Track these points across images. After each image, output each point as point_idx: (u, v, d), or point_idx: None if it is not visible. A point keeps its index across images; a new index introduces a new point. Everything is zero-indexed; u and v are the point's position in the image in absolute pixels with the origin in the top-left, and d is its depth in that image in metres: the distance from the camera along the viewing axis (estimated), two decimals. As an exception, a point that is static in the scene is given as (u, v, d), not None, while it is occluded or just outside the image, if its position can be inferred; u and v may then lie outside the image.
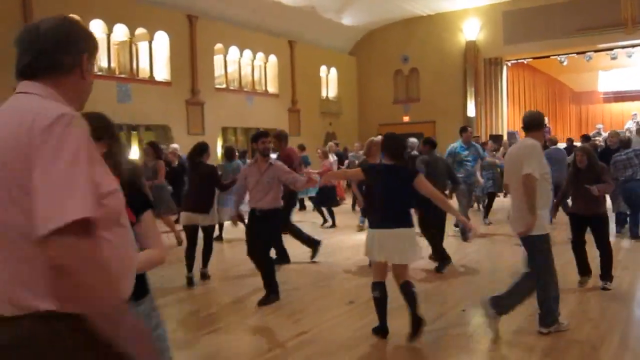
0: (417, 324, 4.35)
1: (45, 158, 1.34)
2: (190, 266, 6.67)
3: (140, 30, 14.60)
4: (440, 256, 7.11)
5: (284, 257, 7.52)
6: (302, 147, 14.83)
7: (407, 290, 4.43)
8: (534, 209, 4.35)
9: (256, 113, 18.06)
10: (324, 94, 21.81)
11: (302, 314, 5.38)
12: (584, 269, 5.94)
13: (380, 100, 22.54)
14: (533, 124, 4.64)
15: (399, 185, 4.50)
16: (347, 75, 22.62)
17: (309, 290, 6.34)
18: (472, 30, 20.53)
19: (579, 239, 5.96)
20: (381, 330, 4.62)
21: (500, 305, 4.51)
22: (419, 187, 4.50)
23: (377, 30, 22.44)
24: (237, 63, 17.75)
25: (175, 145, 11.34)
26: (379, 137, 6.82)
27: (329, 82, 22.06)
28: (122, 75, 14.31)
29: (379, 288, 4.55)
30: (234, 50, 17.39)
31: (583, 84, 25.20)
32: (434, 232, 7.16)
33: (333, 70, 21.97)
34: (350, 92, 22.79)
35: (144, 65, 15.04)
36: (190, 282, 6.61)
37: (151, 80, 14.91)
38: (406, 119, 22.15)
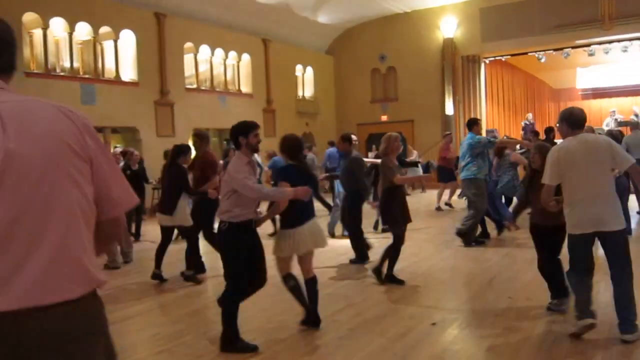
0: (315, 322, 4.79)
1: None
2: (157, 263, 6.96)
3: (104, 29, 14.03)
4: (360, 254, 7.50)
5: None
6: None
7: (314, 286, 4.82)
8: None
9: (230, 113, 17.48)
10: (300, 93, 21.36)
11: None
12: (555, 291, 5.03)
13: (358, 100, 22.16)
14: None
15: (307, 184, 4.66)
16: (324, 74, 22.20)
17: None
18: (449, 28, 20.23)
19: (544, 256, 5.00)
20: (311, 320, 4.83)
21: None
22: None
23: (354, 28, 22.05)
24: (208, 62, 17.23)
25: (132, 150, 10.85)
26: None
27: (305, 81, 21.61)
28: (86, 76, 13.73)
29: (292, 277, 4.84)
30: (205, 49, 16.87)
31: (561, 81, 25.06)
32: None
33: (309, 70, 21.53)
34: (327, 92, 22.37)
35: (110, 65, 14.48)
36: (156, 277, 6.92)
37: (117, 80, 14.33)
38: (384, 118, 21.79)
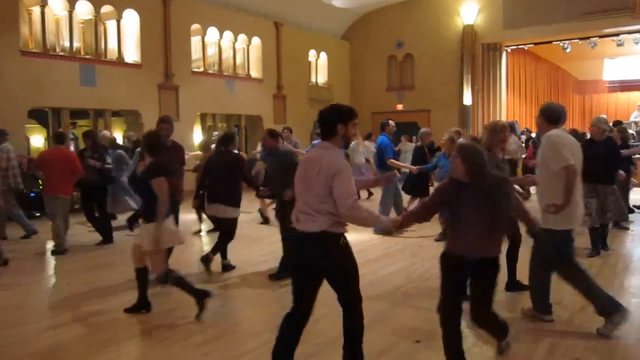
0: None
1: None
2: (223, 253, 6.78)
3: (106, 8, 13.54)
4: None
5: None
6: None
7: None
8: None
9: (237, 99, 17.01)
10: (313, 79, 20.71)
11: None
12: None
13: (373, 88, 21.46)
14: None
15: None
16: (338, 60, 21.49)
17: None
18: (470, 14, 19.35)
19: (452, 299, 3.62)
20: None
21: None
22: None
23: (371, 13, 21.29)
24: (217, 45, 16.65)
25: (105, 132, 10.38)
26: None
27: (319, 67, 20.94)
28: (87, 56, 13.26)
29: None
30: (212, 32, 16.30)
31: (587, 73, 24.01)
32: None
33: (323, 55, 20.85)
34: (342, 79, 21.68)
35: (113, 46, 14.00)
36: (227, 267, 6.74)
37: (119, 62, 13.85)
38: (400, 107, 21.05)
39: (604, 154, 6.88)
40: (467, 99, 19.36)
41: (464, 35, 19.47)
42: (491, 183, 3.42)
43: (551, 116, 4.63)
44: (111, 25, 13.90)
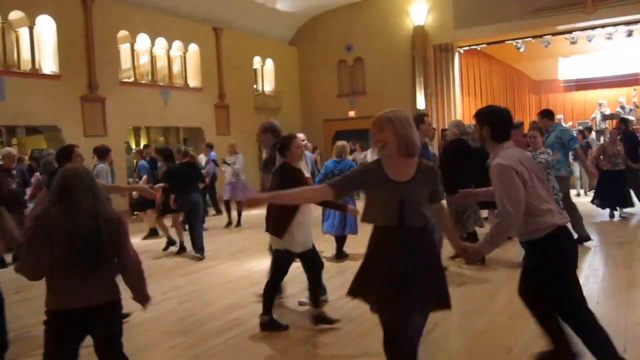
0: None
1: None
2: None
3: (15, 14, 12.21)
4: None
5: None
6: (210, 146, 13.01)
7: None
8: None
9: (175, 110, 15.78)
10: (259, 87, 19.63)
11: None
12: None
13: (324, 94, 20.48)
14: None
15: None
16: (286, 66, 20.46)
17: None
18: (419, 14, 18.57)
19: None
20: None
21: None
22: None
23: (318, 17, 20.36)
24: (149, 53, 15.42)
25: (9, 149, 9.12)
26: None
27: (265, 74, 19.87)
28: (-6, 68, 11.90)
29: None
30: (143, 39, 15.06)
31: (542, 72, 23.49)
32: None
33: (269, 62, 19.78)
34: (291, 86, 20.64)
35: (27, 55, 12.67)
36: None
37: (33, 72, 12.50)
38: (352, 113, 20.11)
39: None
40: (421, 103, 18.53)
41: (414, 36, 18.67)
42: None
43: None
44: (24, 32, 12.56)
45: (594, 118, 18.14)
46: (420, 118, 6.32)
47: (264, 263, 7.25)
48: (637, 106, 18.62)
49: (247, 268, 7.13)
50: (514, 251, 6.81)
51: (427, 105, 18.45)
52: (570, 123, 19.41)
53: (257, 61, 19.33)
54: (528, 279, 3.35)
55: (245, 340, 4.53)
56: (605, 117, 17.96)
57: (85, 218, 2.66)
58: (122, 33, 14.47)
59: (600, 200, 9.78)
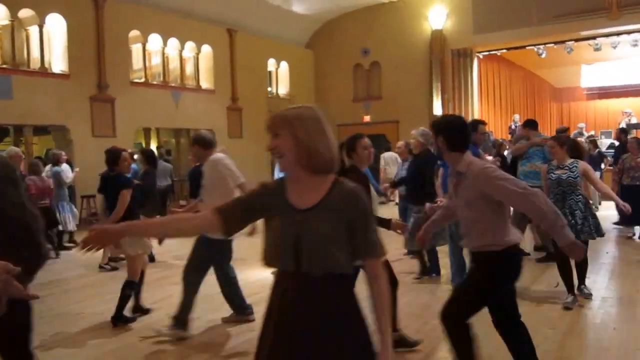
0: None
1: None
2: None
3: (25, 12, 12.09)
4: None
5: None
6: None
7: None
8: None
9: (186, 111, 15.57)
10: (273, 90, 19.36)
11: None
12: None
13: (339, 98, 20.15)
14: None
15: None
16: (301, 70, 20.17)
17: None
18: (438, 18, 18.16)
19: None
20: None
21: None
22: None
23: (335, 20, 20.05)
24: (161, 54, 15.24)
25: (15, 149, 8.90)
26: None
27: (280, 77, 19.60)
28: (3, 66, 11.76)
29: None
30: (155, 39, 14.89)
31: (564, 80, 22.90)
32: None
33: (284, 64, 19.52)
34: (305, 89, 20.34)
35: (36, 54, 12.54)
36: None
37: (42, 71, 12.35)
38: (367, 118, 19.76)
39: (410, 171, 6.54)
40: (437, 109, 18.10)
41: (432, 41, 18.26)
42: None
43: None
44: (33, 31, 12.43)
45: (622, 127, 17.50)
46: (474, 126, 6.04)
47: (263, 273, 6.94)
48: (661, 116, 17.99)
49: (242, 278, 6.79)
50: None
51: (443, 112, 17.99)
52: (592, 132, 18.84)
53: (271, 64, 19.08)
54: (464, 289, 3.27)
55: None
56: (630, 127, 17.33)
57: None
58: (134, 33, 14.31)
59: (621, 217, 9.27)
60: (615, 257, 7.56)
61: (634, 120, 17.53)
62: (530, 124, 7.71)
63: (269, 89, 19.28)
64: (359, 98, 20.04)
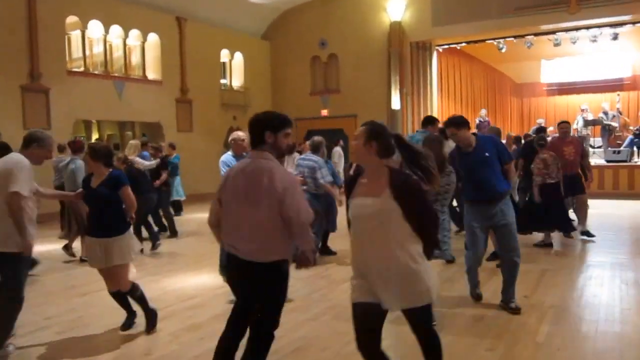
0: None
1: None
2: None
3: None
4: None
5: None
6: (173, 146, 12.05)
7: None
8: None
9: (131, 103, 14.72)
10: (226, 82, 18.60)
11: None
12: None
13: (296, 92, 19.51)
14: None
15: None
16: (257, 61, 19.45)
17: None
18: (397, 10, 17.62)
19: None
20: None
21: None
22: None
23: (292, 10, 19.38)
24: (102, 42, 14.35)
25: None
26: None
27: (234, 69, 18.84)
28: None
29: None
30: (96, 26, 14.00)
31: (525, 75, 22.69)
32: None
33: (238, 56, 18.76)
34: (262, 82, 19.63)
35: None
36: None
37: (-35, 60, 11.42)
38: (325, 112, 19.16)
39: None
40: (396, 103, 17.60)
41: (391, 33, 17.73)
42: None
43: None
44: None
45: (577, 124, 17.32)
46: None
47: (189, 280, 6.33)
48: (620, 112, 17.85)
49: (162, 287, 6.14)
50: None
51: (402, 106, 17.52)
52: (551, 128, 18.63)
53: (224, 54, 18.30)
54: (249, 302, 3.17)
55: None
56: (587, 123, 17.18)
57: None
58: (72, 19, 13.40)
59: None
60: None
61: (590, 117, 17.35)
62: (429, 122, 7.46)
63: (223, 81, 18.52)
64: (317, 91, 19.42)
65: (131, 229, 4.53)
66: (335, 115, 18.77)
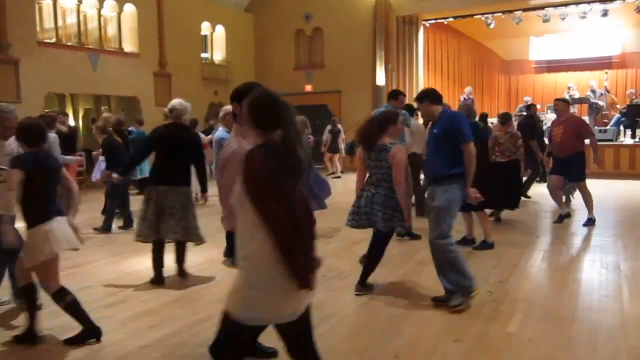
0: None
1: None
2: None
3: None
4: None
5: None
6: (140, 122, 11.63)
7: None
8: None
9: (106, 76, 14.22)
10: (207, 56, 18.10)
11: None
12: None
13: (280, 66, 19.05)
14: None
15: None
16: (240, 35, 18.92)
17: None
18: (383, -17, 17.15)
19: None
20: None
21: None
22: None
23: (277, -19, 18.84)
24: (76, 12, 13.80)
25: None
26: None
27: (215, 42, 18.32)
28: None
29: None
30: (68, -5, 13.47)
31: (513, 52, 22.30)
32: None
33: (220, 28, 18.22)
34: (245, 56, 19.13)
35: None
36: None
37: None
38: (309, 88, 18.74)
39: None
40: (381, 79, 17.22)
41: (376, 7, 17.28)
42: None
43: None
44: None
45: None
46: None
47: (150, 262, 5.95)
48: (607, 91, 17.58)
49: (122, 269, 5.84)
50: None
51: (387, 82, 17.14)
52: (539, 106, 18.36)
53: (205, 27, 17.77)
54: None
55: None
56: (574, 102, 16.88)
57: None
58: (42, -13, 12.86)
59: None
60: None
61: (577, 95, 17.07)
62: (392, 96, 7.35)
63: (205, 54, 18.01)
64: (301, 66, 18.97)
65: (48, 223, 3.63)
66: (319, 91, 18.36)
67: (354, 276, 4.99)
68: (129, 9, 14.92)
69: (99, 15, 14.27)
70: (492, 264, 5.80)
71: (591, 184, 7.89)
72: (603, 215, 8.33)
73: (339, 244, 6.84)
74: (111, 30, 14.77)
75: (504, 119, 7.73)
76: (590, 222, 7.70)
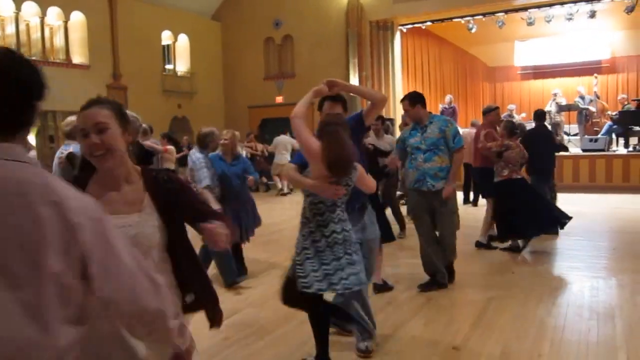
0: None
1: None
2: None
3: None
4: None
5: None
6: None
7: None
8: None
9: (52, 90, 12.86)
10: (169, 67, 16.93)
11: None
12: None
13: (249, 76, 17.91)
14: None
15: None
16: (206, 44, 17.77)
17: None
18: (355, -14, 16.06)
19: None
20: None
21: None
22: None
23: (245, -13, 17.74)
24: (14, 21, 12.62)
25: None
26: None
27: (178, 52, 17.14)
28: None
29: None
30: (5, 2, 12.26)
31: (497, 58, 21.23)
32: None
33: (183, 37, 17.06)
34: (211, 66, 17.98)
35: None
36: None
37: None
38: (279, 99, 17.58)
39: None
40: (355, 88, 16.05)
41: (349, 11, 16.16)
42: None
43: None
44: None
45: (549, 111, 15.97)
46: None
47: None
48: (597, 96, 16.52)
49: None
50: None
51: (362, 91, 15.99)
52: (524, 114, 17.30)
53: (167, 36, 16.60)
54: None
55: None
56: (561, 109, 15.79)
57: None
58: (-26, -6, 11.68)
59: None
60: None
61: (563, 102, 16.00)
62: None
63: (168, 66, 16.85)
64: (271, 76, 17.82)
65: None
66: (290, 102, 17.05)
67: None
68: (77, 17, 13.75)
69: (42, 25, 13.08)
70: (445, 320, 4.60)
71: (581, 198, 6.76)
72: (594, 244, 7.14)
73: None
74: (58, 40, 13.59)
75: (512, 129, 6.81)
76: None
